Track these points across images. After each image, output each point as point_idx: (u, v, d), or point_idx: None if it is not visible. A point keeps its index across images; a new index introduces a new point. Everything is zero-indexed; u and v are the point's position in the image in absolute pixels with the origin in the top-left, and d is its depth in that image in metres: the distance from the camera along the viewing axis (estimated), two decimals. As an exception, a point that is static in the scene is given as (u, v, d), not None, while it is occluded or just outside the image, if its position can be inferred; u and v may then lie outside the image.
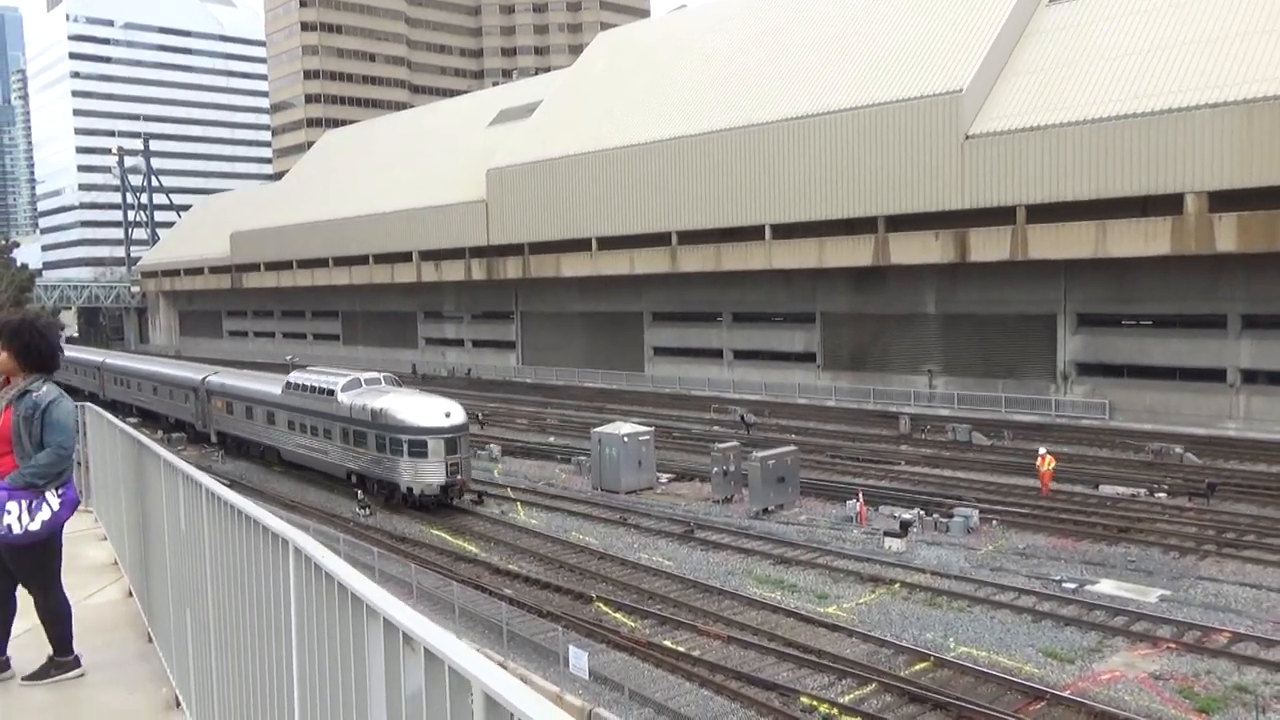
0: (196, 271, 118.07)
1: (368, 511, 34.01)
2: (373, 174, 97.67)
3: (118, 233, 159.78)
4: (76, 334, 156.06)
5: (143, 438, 7.17)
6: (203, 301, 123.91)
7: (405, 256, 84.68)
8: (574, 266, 69.20)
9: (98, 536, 9.99)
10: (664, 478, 37.36)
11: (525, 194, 72.21)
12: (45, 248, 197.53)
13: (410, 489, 34.06)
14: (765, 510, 31.54)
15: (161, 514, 6.17)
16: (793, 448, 34.11)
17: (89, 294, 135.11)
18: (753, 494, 31.74)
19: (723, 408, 54.91)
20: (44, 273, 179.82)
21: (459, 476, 34.00)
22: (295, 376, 42.12)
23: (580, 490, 36.51)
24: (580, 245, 68.35)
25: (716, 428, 50.00)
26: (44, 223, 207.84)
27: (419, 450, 33.83)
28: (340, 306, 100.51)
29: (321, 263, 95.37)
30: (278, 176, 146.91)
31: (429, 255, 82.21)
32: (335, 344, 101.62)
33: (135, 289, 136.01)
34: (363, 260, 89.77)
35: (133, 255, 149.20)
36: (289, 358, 56.68)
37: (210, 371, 52.17)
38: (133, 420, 55.69)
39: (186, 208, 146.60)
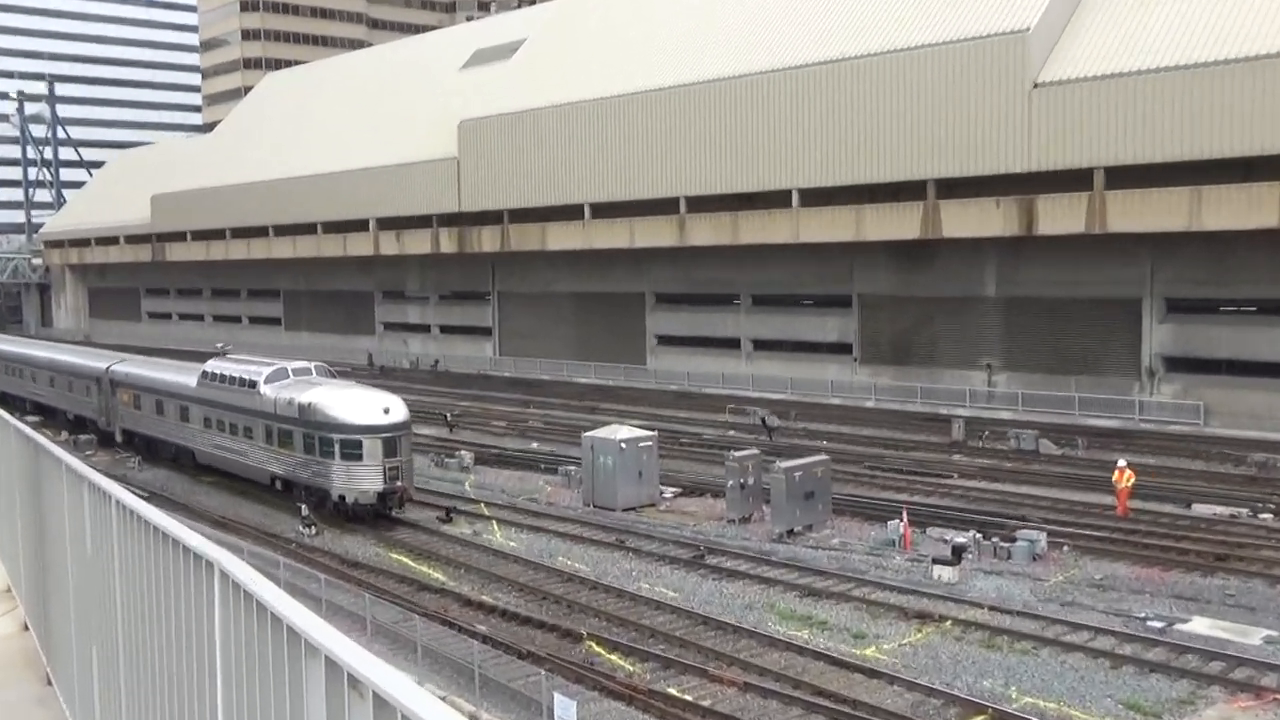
0: (110, 241, 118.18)
1: (313, 530, 34.02)
2: (322, 126, 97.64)
3: (16, 194, 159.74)
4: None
5: (41, 439, 7.11)
6: (118, 277, 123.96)
7: (360, 225, 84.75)
8: (562, 238, 69.23)
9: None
10: (669, 492, 37.45)
11: (504, 151, 72.20)
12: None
13: (343, 497, 34.53)
14: (790, 532, 31.57)
15: (64, 531, 6.11)
16: (824, 457, 34.11)
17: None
18: (775, 512, 31.77)
19: (740, 408, 54.93)
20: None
21: (399, 483, 34.50)
22: (213, 365, 42.65)
23: (569, 507, 36.55)
24: (570, 213, 68.38)
25: (732, 432, 50.03)
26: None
27: (352, 452, 34.35)
28: (282, 284, 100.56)
29: (260, 231, 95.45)
30: (208, 128, 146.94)
31: (389, 224, 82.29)
32: (276, 329, 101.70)
33: (37, 261, 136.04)
34: (310, 229, 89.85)
35: (34, 221, 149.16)
36: (220, 345, 56.64)
37: (115, 359, 52.35)
38: (31, 419, 55.74)
39: (99, 164, 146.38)
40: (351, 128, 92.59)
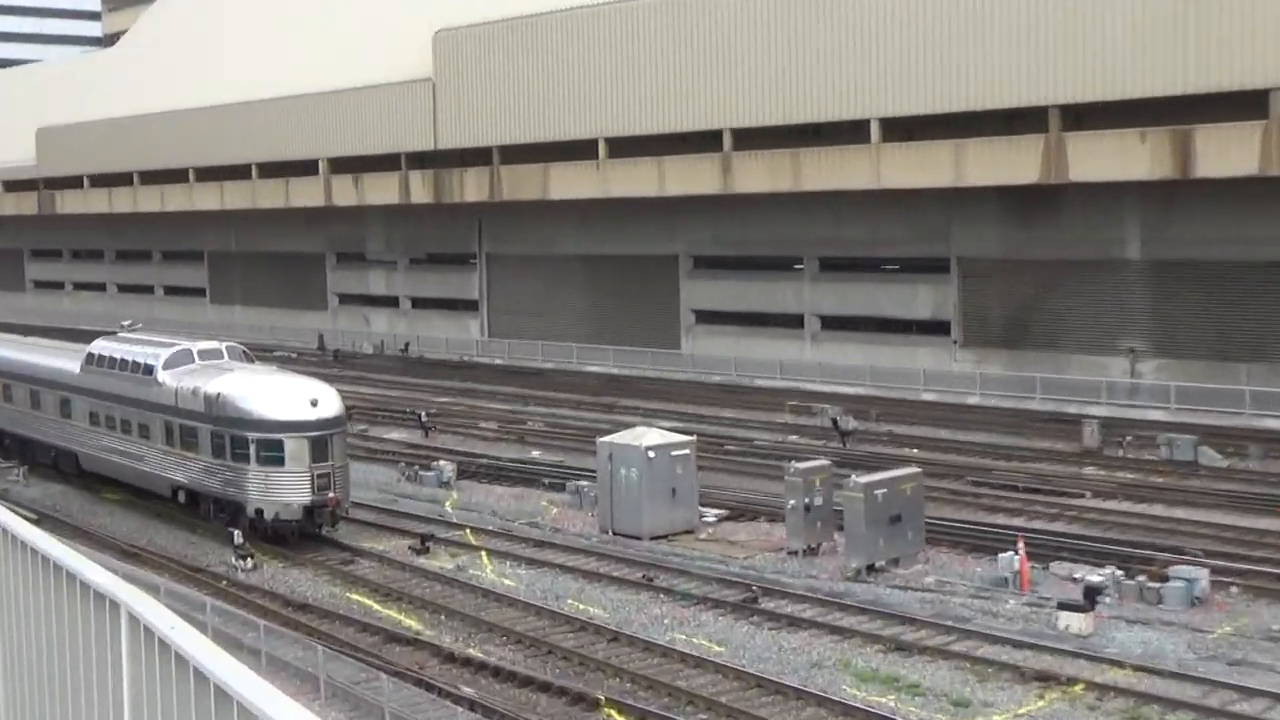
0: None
1: (249, 563, 34.17)
2: (257, 38, 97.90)
3: None
4: None
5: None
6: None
7: (307, 167, 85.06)
8: (570, 183, 69.21)
9: None
10: (711, 515, 37.36)
11: (494, 70, 72.20)
12: None
13: (260, 511, 34.95)
14: (870, 567, 31.48)
15: None
16: (914, 470, 33.94)
17: None
18: (850, 541, 31.66)
19: (804, 406, 54.76)
20: None
21: (330, 494, 35.01)
22: (101, 346, 43.37)
23: (580, 534, 36.52)
24: (580, 150, 68.34)
25: (794, 438, 49.85)
26: None
27: (272, 456, 34.83)
28: (207, 245, 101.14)
29: (177, 176, 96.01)
30: (111, 40, 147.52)
31: (344, 165, 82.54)
32: (200, 302, 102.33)
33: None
34: (242, 172, 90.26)
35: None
36: (127, 324, 56.79)
37: None
38: None
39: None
40: (295, 40, 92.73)
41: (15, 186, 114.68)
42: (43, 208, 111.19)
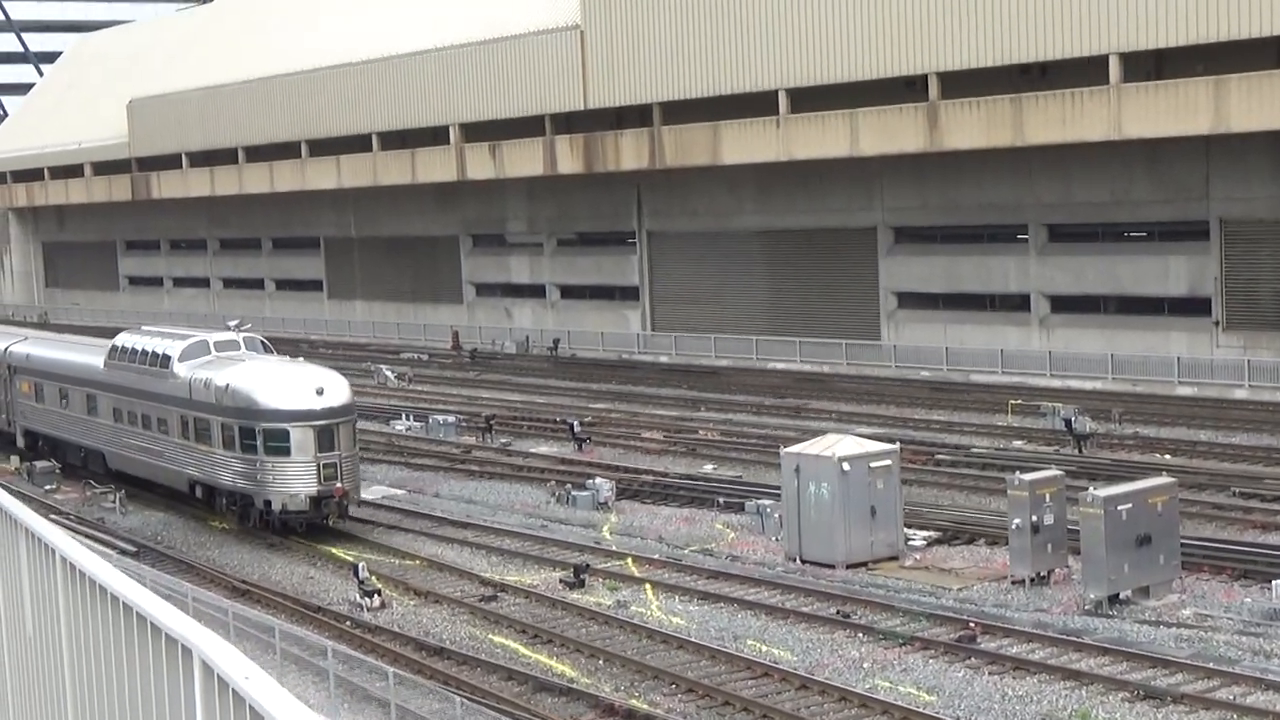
0: (71, 171, 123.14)
1: (376, 601, 34.94)
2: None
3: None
4: None
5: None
6: (82, 225, 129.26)
7: (437, 135, 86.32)
8: (745, 145, 69.27)
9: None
10: (918, 538, 37.30)
11: (653, 10, 72.44)
12: None
13: (269, 503, 40.29)
14: (1114, 598, 31.12)
15: None
16: (1167, 481, 33.41)
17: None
18: (1089, 568, 31.31)
19: (1031, 405, 54.36)
20: None
21: (337, 484, 39.69)
22: (123, 340, 48.96)
23: (763, 562, 36.61)
24: (757, 105, 68.30)
25: (1019, 443, 49.52)
26: None
27: (278, 446, 39.88)
28: (323, 230, 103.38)
29: (288, 150, 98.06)
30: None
31: (478, 132, 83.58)
32: (316, 298, 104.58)
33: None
34: (361, 144, 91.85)
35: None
36: (233, 324, 58.65)
37: (17, 338, 59.56)
38: None
39: (53, 57, 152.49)
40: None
41: (106, 169, 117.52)
42: (137, 192, 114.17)
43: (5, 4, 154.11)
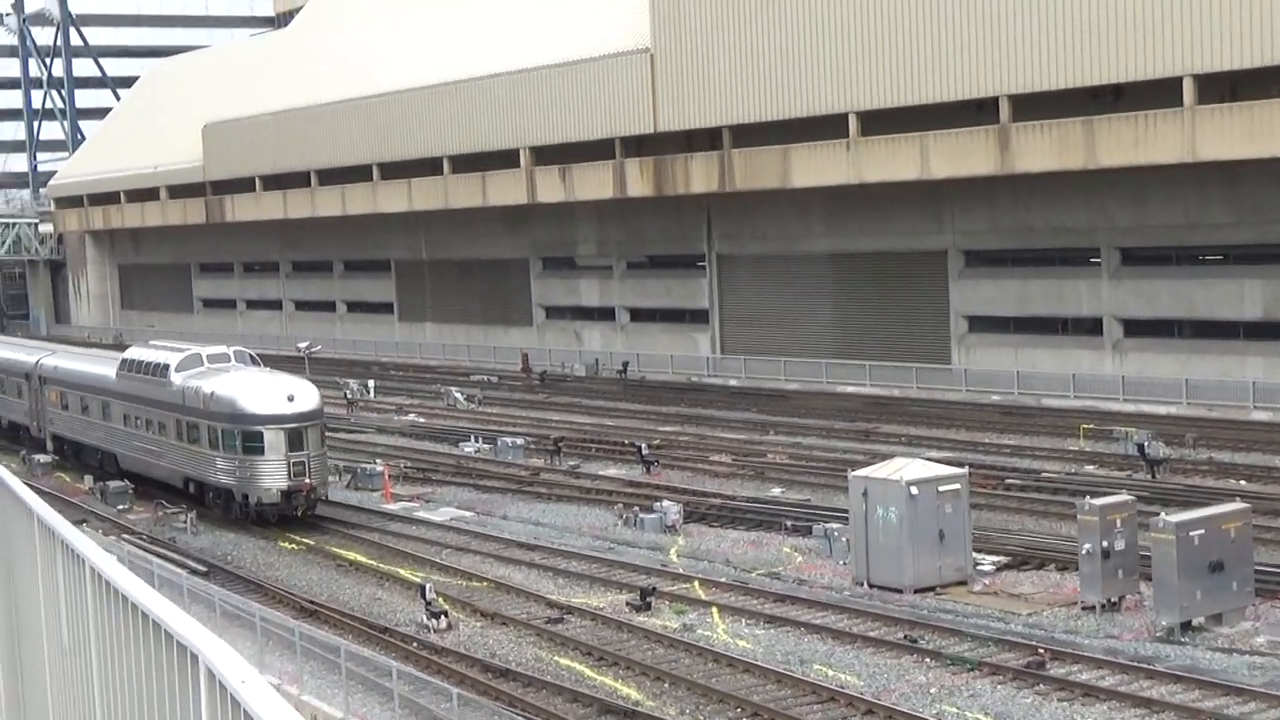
0: (147, 195, 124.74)
1: (442, 622, 35.05)
2: (446, 11, 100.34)
3: (16, 130, 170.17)
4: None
5: (7, 476, 7.58)
6: (157, 248, 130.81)
7: (507, 158, 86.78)
8: (815, 168, 69.25)
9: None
10: (987, 563, 37.15)
11: (723, 34, 72.62)
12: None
13: (245, 496, 46.43)
14: (1187, 625, 30.88)
15: (38, 615, 6.54)
16: (1241, 506, 33.03)
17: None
18: (1161, 594, 31.10)
19: (1103, 430, 54.01)
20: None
21: (306, 480, 45.75)
22: (133, 353, 56.02)
23: (830, 586, 36.61)
24: (827, 127, 68.27)
25: (1090, 468, 49.26)
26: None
27: (253, 446, 45.78)
28: (394, 252, 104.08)
29: (360, 173, 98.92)
30: (284, 20, 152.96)
31: (549, 155, 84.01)
32: (387, 320, 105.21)
33: (46, 228, 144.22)
34: (432, 167, 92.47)
35: (41, 170, 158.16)
36: (303, 346, 60.76)
37: (46, 352, 67.16)
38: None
39: (130, 82, 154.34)
40: (489, 13, 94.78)
41: (180, 192, 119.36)
42: (211, 215, 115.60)
43: (84, 29, 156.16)
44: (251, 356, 52.25)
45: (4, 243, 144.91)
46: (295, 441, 45.67)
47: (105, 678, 5.44)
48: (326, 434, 49.86)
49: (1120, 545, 32.58)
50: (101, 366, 58.06)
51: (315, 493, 46.26)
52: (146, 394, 52.18)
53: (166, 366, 50.86)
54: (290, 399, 46.20)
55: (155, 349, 55.08)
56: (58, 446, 61.96)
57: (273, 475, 45.53)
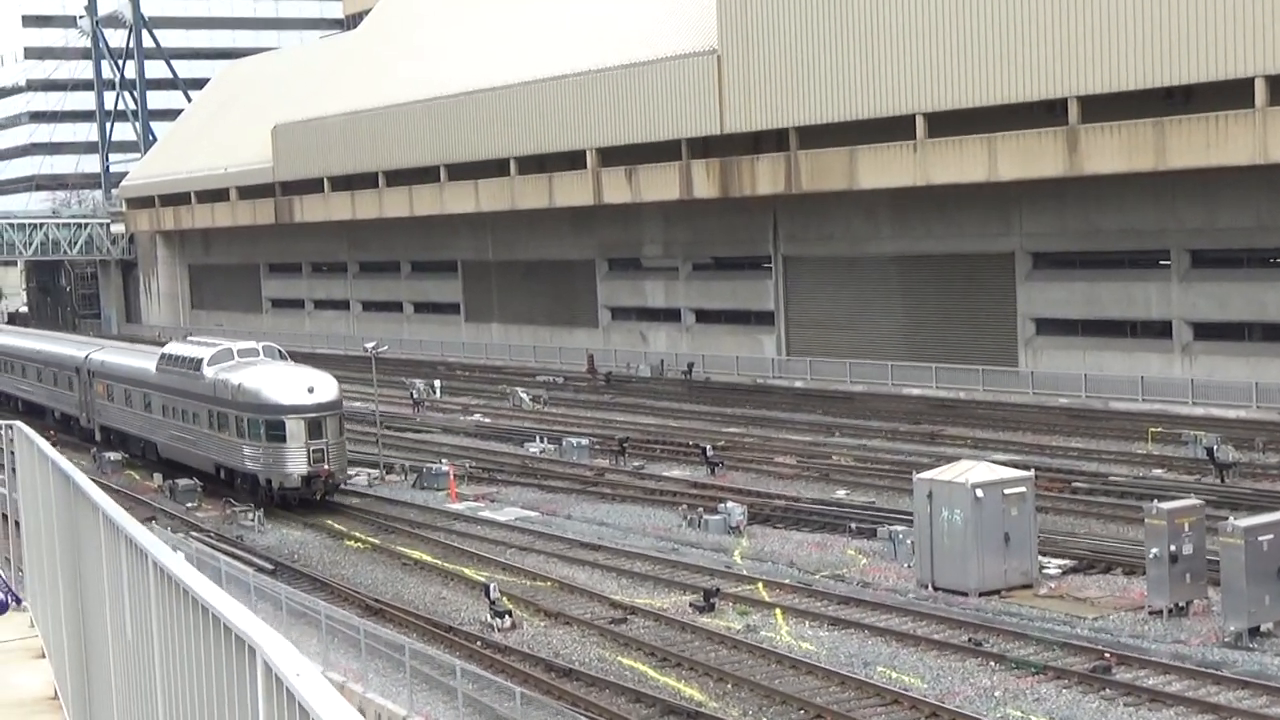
0: (217, 195, 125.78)
1: (506, 621, 35.20)
2: (514, 13, 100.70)
3: (88, 130, 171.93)
4: (25, 306, 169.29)
5: (79, 476, 7.72)
6: (227, 249, 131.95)
7: (574, 160, 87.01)
8: (882, 170, 69.07)
9: (33, 653, 10.71)
10: (1053, 566, 37.00)
11: (790, 35, 72.53)
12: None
13: (269, 481, 50.10)
14: (1256, 630, 30.64)
15: (104, 608, 6.68)
16: (1310, 511, 32.77)
17: (43, 237, 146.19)
18: (1228, 599, 30.86)
19: (1172, 433, 53.70)
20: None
21: (324, 466, 49.37)
22: (173, 348, 60.63)
23: (895, 589, 36.59)
24: (893, 129, 68.09)
25: (1159, 471, 48.98)
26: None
27: (277, 434, 49.45)
28: (461, 253, 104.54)
29: (427, 174, 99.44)
30: (352, 23, 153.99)
31: (615, 156, 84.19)
32: (454, 320, 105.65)
33: (117, 229, 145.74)
34: (498, 168, 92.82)
35: (114, 171, 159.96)
36: (370, 346, 61.54)
37: (95, 347, 72.06)
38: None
39: (201, 83, 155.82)
40: (556, 15, 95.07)
41: (250, 192, 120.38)
42: (280, 216, 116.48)
43: (156, 32, 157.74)
44: (280, 352, 56.19)
45: (76, 243, 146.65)
46: (315, 430, 49.26)
47: (166, 669, 5.55)
48: (345, 424, 52.74)
49: (1188, 550, 32.38)
50: (143, 361, 62.37)
51: (333, 478, 50.08)
52: (182, 386, 56.02)
53: (200, 361, 54.79)
54: (310, 390, 49.90)
55: (192, 345, 60.05)
56: (105, 436, 66.05)
57: (294, 461, 49.18)
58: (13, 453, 11.34)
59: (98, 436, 66.44)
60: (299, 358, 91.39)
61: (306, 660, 4.02)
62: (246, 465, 50.73)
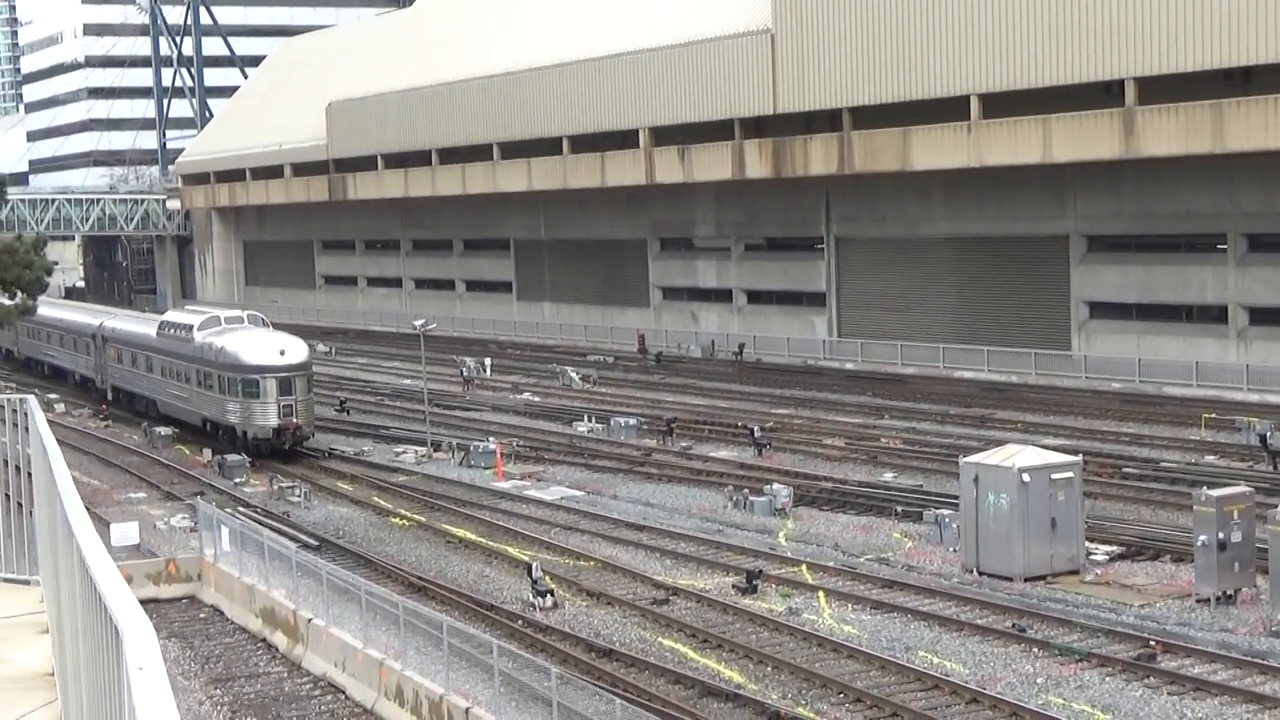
0: (272, 172, 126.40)
1: (548, 600, 35.23)
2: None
3: (146, 108, 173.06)
4: (81, 281, 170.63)
5: (55, 453, 7.66)
6: (282, 225, 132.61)
7: (626, 139, 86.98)
8: (935, 150, 68.76)
9: (38, 628, 10.72)
10: (1100, 553, 36.84)
11: (845, 14, 72.19)
12: (31, 135, 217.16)
13: (245, 432, 56.82)
14: (1303, 621, 30.29)
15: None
16: (1362, 499, 32.47)
17: (100, 213, 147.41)
18: (1276, 587, 30.62)
19: (1225, 420, 53.35)
20: (29, 178, 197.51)
21: (293, 419, 56.21)
22: (170, 315, 69.87)
23: (939, 573, 36.50)
24: (947, 110, 67.74)
25: (1210, 458, 48.64)
26: (29, 93, 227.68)
27: (252, 390, 56.42)
28: (514, 232, 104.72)
29: (480, 153, 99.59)
30: (407, 1, 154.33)
31: (667, 136, 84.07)
32: (505, 299, 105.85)
33: (173, 205, 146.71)
34: (551, 147, 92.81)
35: (170, 147, 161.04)
36: (421, 323, 62.19)
37: (109, 315, 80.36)
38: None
39: (258, 60, 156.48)
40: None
41: (304, 170, 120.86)
42: (334, 193, 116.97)
43: (213, 8, 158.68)
44: (263, 320, 64.23)
45: (133, 219, 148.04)
46: (285, 388, 56.37)
47: (90, 652, 5.52)
48: (313, 382, 59.99)
49: (1237, 537, 32.18)
50: (146, 327, 70.65)
51: (301, 431, 56.89)
52: (176, 350, 63.49)
53: (191, 326, 62.61)
54: (282, 353, 57.25)
55: (187, 313, 69.07)
56: (115, 395, 73.95)
57: (265, 414, 56.18)
58: (26, 429, 11.38)
59: (109, 395, 74.33)
60: (352, 335, 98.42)
61: (159, 656, 3.96)
62: (227, 418, 57.73)
